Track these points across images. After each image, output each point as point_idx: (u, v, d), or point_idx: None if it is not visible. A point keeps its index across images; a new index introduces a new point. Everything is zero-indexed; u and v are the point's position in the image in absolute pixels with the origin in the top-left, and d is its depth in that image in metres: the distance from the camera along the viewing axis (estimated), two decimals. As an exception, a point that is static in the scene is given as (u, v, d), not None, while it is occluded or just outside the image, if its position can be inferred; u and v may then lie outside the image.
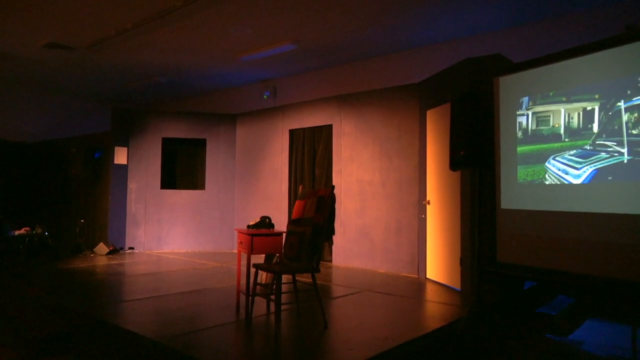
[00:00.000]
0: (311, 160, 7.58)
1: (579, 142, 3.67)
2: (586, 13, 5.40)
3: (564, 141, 3.78)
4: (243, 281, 4.28)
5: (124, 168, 8.43)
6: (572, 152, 3.71)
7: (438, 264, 5.63)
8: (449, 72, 5.39)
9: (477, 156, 3.98)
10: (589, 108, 3.61)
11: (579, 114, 3.68)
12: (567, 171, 3.75)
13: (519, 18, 5.73)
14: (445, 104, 5.23)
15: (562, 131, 3.81)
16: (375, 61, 7.38)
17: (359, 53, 7.20)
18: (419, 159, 6.13)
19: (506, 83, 4.24)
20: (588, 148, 3.60)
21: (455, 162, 4.13)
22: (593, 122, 3.58)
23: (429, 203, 5.82)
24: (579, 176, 3.66)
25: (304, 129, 7.70)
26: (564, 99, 3.80)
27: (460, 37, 6.40)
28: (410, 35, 6.41)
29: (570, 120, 3.75)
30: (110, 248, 7.95)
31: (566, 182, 3.74)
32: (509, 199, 4.18)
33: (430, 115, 5.83)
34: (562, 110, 3.80)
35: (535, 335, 4.19)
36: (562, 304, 4.77)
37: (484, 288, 4.55)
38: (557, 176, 3.82)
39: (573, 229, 3.69)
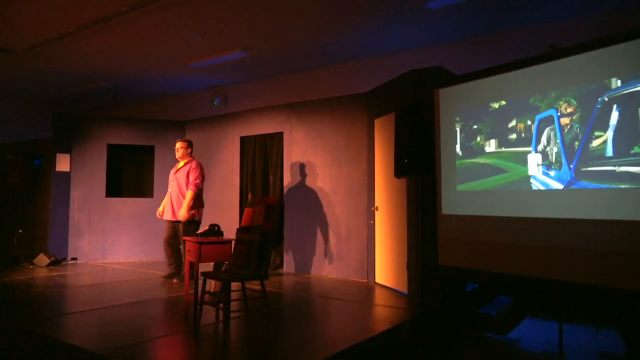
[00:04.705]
0: (262, 167, 7.59)
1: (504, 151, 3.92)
2: (516, 32, 5.76)
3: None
4: (192, 290, 4.24)
5: (66, 176, 8.11)
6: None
7: (386, 268, 5.78)
8: (394, 82, 5.57)
9: (420, 164, 4.16)
10: (513, 121, 3.87)
11: (511, 125, 3.94)
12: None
13: (460, 33, 6.02)
14: (391, 113, 5.39)
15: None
16: (325, 70, 7.50)
17: (309, 62, 7.29)
18: (367, 167, 6.28)
19: (446, 94, 4.46)
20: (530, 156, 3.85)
21: (400, 170, 4.29)
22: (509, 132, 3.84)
23: (377, 209, 5.97)
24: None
25: (255, 136, 7.70)
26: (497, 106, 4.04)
27: (407, 50, 6.64)
28: (360, 46, 6.57)
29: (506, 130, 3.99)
30: (51, 259, 7.60)
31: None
32: (449, 205, 4.38)
33: (378, 124, 6.00)
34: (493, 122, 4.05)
35: (476, 334, 4.38)
36: (501, 305, 5.02)
37: (428, 291, 4.73)
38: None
39: (511, 233, 3.92)
